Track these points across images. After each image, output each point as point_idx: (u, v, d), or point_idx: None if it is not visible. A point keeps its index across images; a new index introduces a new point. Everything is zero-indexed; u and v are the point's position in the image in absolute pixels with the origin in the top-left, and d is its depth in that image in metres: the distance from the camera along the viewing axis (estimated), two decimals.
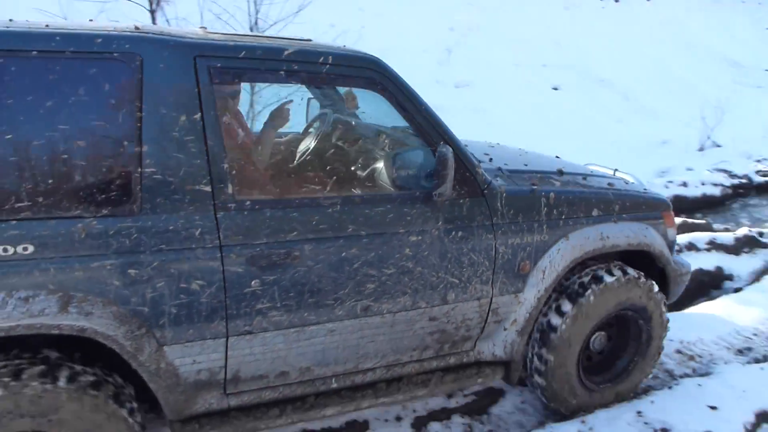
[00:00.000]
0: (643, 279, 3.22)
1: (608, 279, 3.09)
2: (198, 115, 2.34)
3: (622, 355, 3.43)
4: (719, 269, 5.49)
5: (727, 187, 8.34)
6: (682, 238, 5.63)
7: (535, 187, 3.01)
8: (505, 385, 3.57)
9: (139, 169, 2.23)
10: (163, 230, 2.27)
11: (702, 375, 3.64)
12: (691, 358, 3.92)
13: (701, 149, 9.79)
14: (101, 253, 2.18)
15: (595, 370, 3.40)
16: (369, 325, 2.70)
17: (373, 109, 3.06)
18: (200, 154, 2.33)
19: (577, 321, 3.07)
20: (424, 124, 2.75)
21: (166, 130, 2.28)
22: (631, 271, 3.19)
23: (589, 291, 3.05)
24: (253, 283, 2.42)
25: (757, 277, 5.33)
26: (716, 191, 8.25)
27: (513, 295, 2.97)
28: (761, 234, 6.26)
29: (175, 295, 2.30)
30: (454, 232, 2.76)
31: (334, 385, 2.79)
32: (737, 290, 5.01)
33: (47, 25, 2.30)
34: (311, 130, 3.50)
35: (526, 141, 8.74)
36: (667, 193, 7.86)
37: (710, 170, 8.78)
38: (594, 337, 3.27)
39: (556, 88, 10.83)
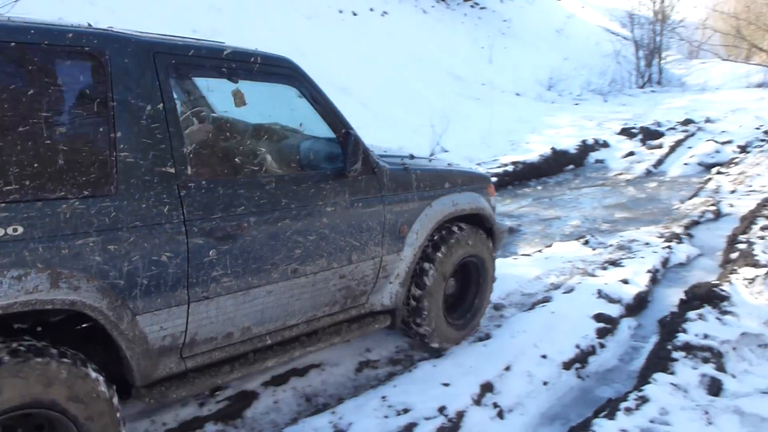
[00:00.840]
0: (481, 233, 4.20)
1: (459, 233, 4.00)
2: (160, 105, 2.62)
3: (467, 297, 4.34)
4: None
5: None
6: None
7: (407, 166, 3.79)
8: (259, 387, 3.60)
9: (114, 153, 2.46)
10: (137, 208, 2.50)
11: (436, 357, 4.02)
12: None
13: (432, 154, 10.74)
14: (84, 232, 2.35)
15: (451, 310, 4.18)
16: (297, 285, 3.16)
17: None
18: (164, 139, 2.61)
19: (441, 266, 3.88)
20: (330, 114, 3.31)
21: (135, 117, 2.54)
22: (473, 227, 4.15)
23: (448, 243, 3.91)
24: (210, 252, 2.74)
25: None
26: None
27: (396, 253, 3.67)
28: None
29: (147, 268, 2.53)
30: (356, 203, 3.37)
31: (269, 342, 3.18)
32: None
33: (9, 18, 2.41)
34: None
35: None
36: None
37: None
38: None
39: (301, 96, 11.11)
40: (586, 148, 12.20)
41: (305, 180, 3.15)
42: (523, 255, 6.33)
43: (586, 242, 6.75)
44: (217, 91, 3.46)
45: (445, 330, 4.05)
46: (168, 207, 2.59)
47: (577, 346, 4.25)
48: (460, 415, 3.32)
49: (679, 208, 8.55)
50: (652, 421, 3.32)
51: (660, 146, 12.80)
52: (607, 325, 4.58)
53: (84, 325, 2.50)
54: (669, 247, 6.47)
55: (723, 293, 4.90)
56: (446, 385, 3.57)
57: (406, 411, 3.30)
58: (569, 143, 12.06)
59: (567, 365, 4.07)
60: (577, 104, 18.08)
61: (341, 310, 3.53)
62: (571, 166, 11.46)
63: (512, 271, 5.70)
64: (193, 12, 11.01)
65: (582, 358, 4.19)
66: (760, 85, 23.12)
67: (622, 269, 5.68)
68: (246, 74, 3.05)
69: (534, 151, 11.25)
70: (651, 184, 10.32)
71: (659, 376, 3.77)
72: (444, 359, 3.91)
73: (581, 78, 21.26)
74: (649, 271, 5.69)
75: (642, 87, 23.67)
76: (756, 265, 5.59)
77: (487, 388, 3.62)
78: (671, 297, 5.34)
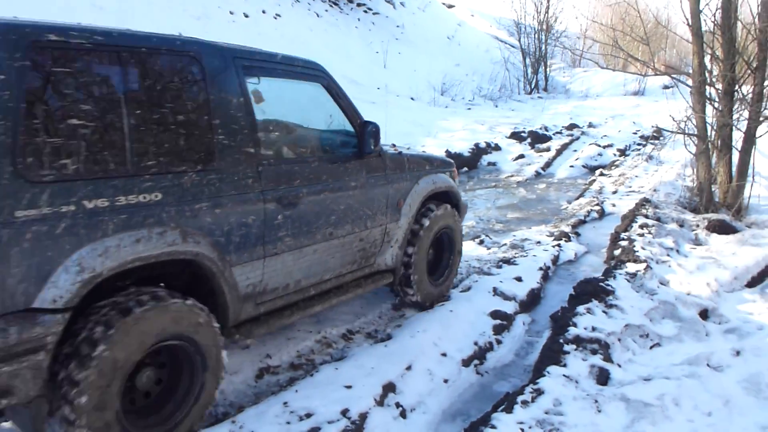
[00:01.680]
0: (451, 208, 5.01)
1: (438, 207, 4.81)
2: (241, 99, 3.29)
3: (443, 260, 5.14)
4: None
5: None
6: None
7: (400, 151, 4.62)
8: None
9: (215, 137, 3.11)
10: (232, 180, 3.17)
11: (338, 359, 3.99)
12: (329, 345, 4.27)
13: None
14: (199, 198, 2.99)
15: (430, 273, 4.93)
16: (332, 245, 3.88)
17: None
18: (246, 126, 3.29)
19: (426, 234, 4.70)
20: (348, 107, 4.08)
21: (226, 108, 3.19)
22: (445, 204, 4.94)
23: (431, 215, 4.72)
24: (279, 217, 3.42)
25: None
26: None
27: (396, 222, 4.47)
28: None
29: (239, 228, 3.19)
30: (371, 180, 4.16)
31: (312, 293, 3.88)
32: None
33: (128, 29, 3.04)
34: None
35: None
36: None
37: None
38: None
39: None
40: (479, 152, 12.56)
41: (336, 160, 3.95)
42: None
43: (481, 242, 6.93)
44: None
45: (428, 288, 4.86)
46: (251, 179, 3.28)
47: (476, 343, 4.35)
48: (363, 416, 3.30)
49: (567, 208, 8.96)
50: (546, 413, 3.44)
51: (548, 149, 13.39)
52: (503, 322, 4.72)
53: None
54: (559, 245, 6.77)
55: (608, 288, 5.18)
56: (348, 387, 3.54)
57: (308, 416, 3.24)
58: (463, 146, 12.38)
59: (466, 362, 4.15)
60: (469, 109, 18.59)
61: (358, 269, 4.29)
62: (465, 169, 11.76)
63: None
64: (75, 10, 10.44)
65: (480, 354, 4.29)
66: (635, 93, 24.70)
67: (515, 267, 5.88)
68: (290, 74, 3.84)
69: None
70: (540, 186, 10.77)
71: (552, 369, 3.91)
72: (345, 361, 3.87)
73: (473, 83, 21.91)
74: (540, 269, 5.92)
75: (530, 93, 24.70)
76: (637, 260, 5.95)
77: (389, 388, 3.62)
78: (562, 293, 5.58)
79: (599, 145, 13.46)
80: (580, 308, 4.78)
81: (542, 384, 3.71)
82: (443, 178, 4.99)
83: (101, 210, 2.63)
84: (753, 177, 8.28)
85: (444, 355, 4.12)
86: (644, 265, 5.80)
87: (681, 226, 7.62)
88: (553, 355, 4.15)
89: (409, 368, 3.86)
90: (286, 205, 3.45)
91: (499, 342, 4.51)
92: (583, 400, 3.62)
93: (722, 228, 7.55)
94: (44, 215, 2.47)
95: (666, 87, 24.57)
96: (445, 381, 3.91)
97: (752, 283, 6.28)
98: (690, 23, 8.04)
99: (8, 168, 2.39)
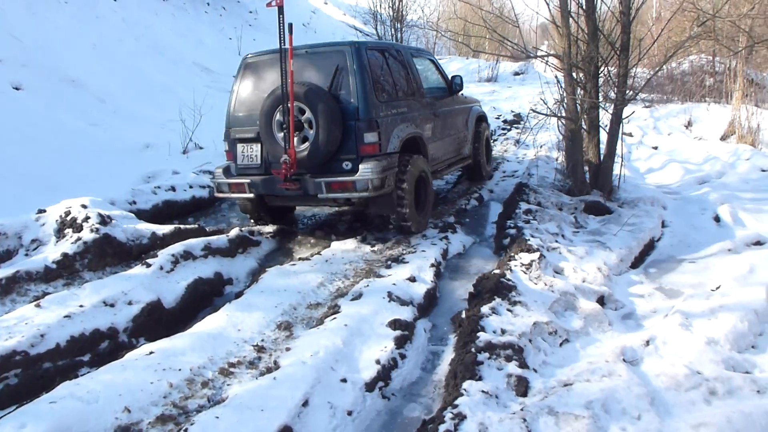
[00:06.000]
0: (486, 124, 9.67)
1: (483, 126, 9.41)
2: (415, 68, 7.42)
3: (488, 152, 9.78)
4: (218, 274, 5.28)
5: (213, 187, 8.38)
6: (178, 248, 5.24)
7: (462, 93, 8.74)
8: None
9: (413, 83, 7.14)
10: (422, 102, 7.16)
11: (217, 402, 3.19)
12: (204, 384, 3.46)
13: (185, 152, 9.69)
14: (415, 110, 6.85)
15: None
16: (450, 140, 7.99)
17: None
18: (419, 80, 7.36)
19: (481, 138, 9.09)
20: (442, 70, 8.42)
21: (411, 72, 7.26)
22: (485, 123, 9.63)
23: (480, 128, 9.21)
24: (436, 122, 7.43)
25: (254, 277, 5.29)
26: (204, 193, 8.19)
27: (467, 131, 8.72)
28: (252, 232, 6.33)
29: (427, 126, 7.11)
30: (456, 107, 8.37)
31: (444, 165, 7.82)
32: (238, 294, 4.82)
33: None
34: None
35: None
36: (156, 200, 7.41)
37: (196, 172, 8.69)
38: None
39: (17, 88, 9.28)
40: None
41: (443, 96, 7.92)
42: (301, 259, 5.72)
43: (364, 239, 6.36)
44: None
45: (486, 166, 9.41)
46: (427, 103, 7.24)
47: (378, 362, 3.75)
48: None
49: (446, 197, 8.61)
50: None
51: None
52: (404, 332, 4.15)
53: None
54: (446, 237, 6.34)
55: (510, 283, 4.77)
56: None
57: None
58: None
59: (370, 386, 3.55)
60: None
61: (458, 154, 8.31)
62: None
63: (293, 281, 5.04)
64: None
65: (384, 374, 3.70)
66: (489, 80, 25.26)
67: (406, 266, 5.35)
68: (421, 55, 8.01)
69: None
70: None
71: (469, 385, 3.40)
72: (227, 405, 3.06)
73: None
74: (432, 266, 5.45)
75: None
76: (529, 250, 5.62)
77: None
78: (458, 290, 5.15)
79: None
80: (485, 309, 4.31)
81: (462, 406, 3.18)
82: (481, 109, 9.48)
83: (395, 114, 6.30)
84: (622, 158, 8.37)
85: (344, 381, 3.48)
86: (537, 254, 5.48)
87: (560, 209, 7.50)
88: (466, 368, 3.64)
89: (305, 404, 3.18)
90: (437, 116, 7.34)
91: (402, 357, 3.94)
92: (510, 420, 3.12)
93: (598, 209, 7.53)
94: (385, 115, 6.11)
95: (517, 73, 25.43)
96: (349, 413, 3.28)
97: (635, 264, 6.23)
98: (558, 6, 7.92)
99: (373, 95, 6.01)
